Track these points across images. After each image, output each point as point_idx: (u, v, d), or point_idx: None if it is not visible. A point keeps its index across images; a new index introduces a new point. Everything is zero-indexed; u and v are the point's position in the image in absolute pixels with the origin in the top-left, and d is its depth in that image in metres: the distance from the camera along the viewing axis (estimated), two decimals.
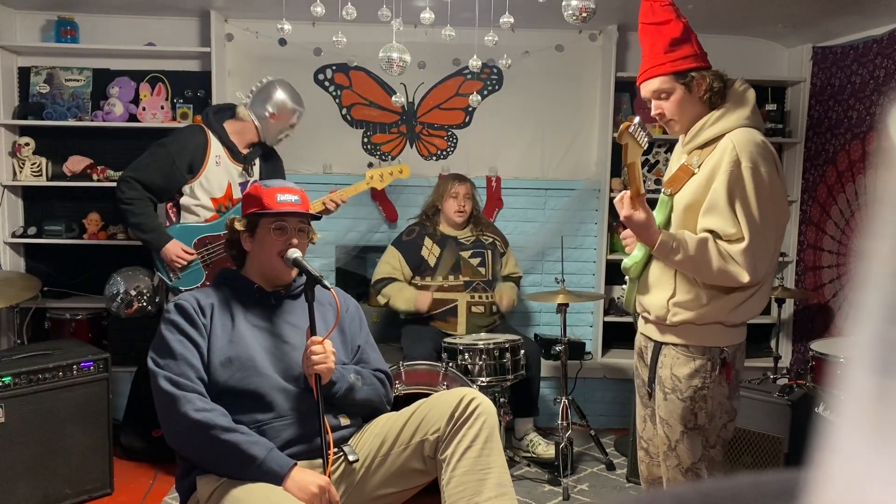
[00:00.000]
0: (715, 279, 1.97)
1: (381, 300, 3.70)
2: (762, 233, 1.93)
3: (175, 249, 3.11)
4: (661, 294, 2.07)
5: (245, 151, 3.26)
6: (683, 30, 2.01)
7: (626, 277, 2.30)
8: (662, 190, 2.11)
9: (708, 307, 2.01)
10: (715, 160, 1.96)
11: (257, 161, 3.33)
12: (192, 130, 3.26)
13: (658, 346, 2.13)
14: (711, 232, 1.96)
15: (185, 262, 3.13)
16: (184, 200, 3.21)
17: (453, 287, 3.65)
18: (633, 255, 2.14)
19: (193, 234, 3.18)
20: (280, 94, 3.23)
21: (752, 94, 2.07)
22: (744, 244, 1.92)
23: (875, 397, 0.28)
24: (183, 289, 3.10)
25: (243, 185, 3.24)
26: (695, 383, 2.04)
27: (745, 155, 1.93)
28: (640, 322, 2.24)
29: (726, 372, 2.06)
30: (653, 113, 2.09)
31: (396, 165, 3.55)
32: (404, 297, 3.63)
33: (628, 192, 1.95)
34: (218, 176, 3.20)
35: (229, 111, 3.32)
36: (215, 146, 3.20)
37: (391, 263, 3.69)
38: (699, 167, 2.01)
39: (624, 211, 1.96)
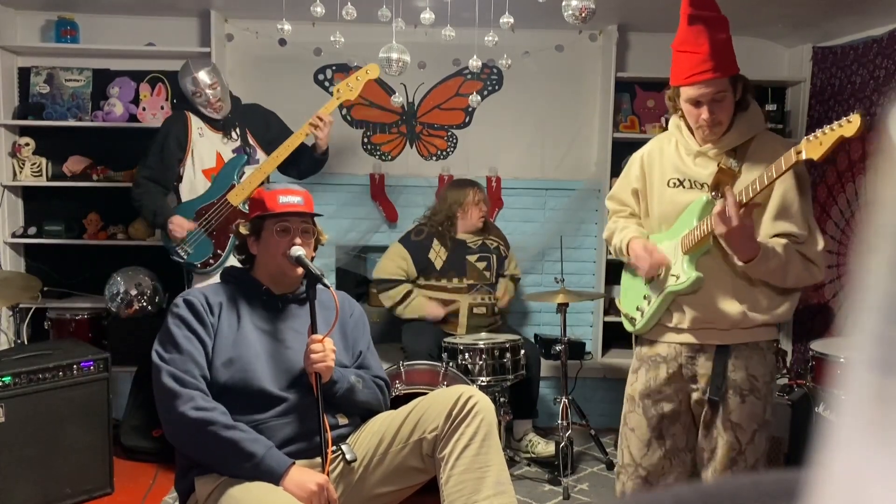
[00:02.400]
0: (795, 282, 1.95)
1: (386, 302, 3.66)
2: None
3: (173, 221, 3.27)
4: (729, 302, 2.00)
5: (220, 118, 3.42)
6: (728, 31, 1.95)
7: (636, 300, 2.17)
8: (709, 195, 2.00)
9: (782, 308, 2.00)
10: (766, 160, 1.89)
11: (237, 127, 3.44)
12: (172, 116, 3.51)
13: (724, 350, 2.02)
14: (786, 234, 1.93)
15: (184, 233, 3.27)
16: (182, 185, 3.38)
17: (457, 289, 3.66)
18: (693, 273, 1.99)
19: (191, 210, 3.33)
20: (182, 85, 3.38)
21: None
22: (820, 245, 1.93)
23: (875, 397, 0.28)
24: (197, 263, 3.31)
25: (237, 150, 3.41)
26: (767, 378, 2.04)
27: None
28: (686, 335, 2.07)
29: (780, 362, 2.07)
30: (703, 116, 1.95)
31: (360, 69, 3.33)
32: (412, 308, 3.63)
33: (731, 200, 1.80)
34: (205, 146, 3.37)
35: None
36: (195, 121, 3.39)
37: (397, 263, 3.66)
38: (740, 169, 1.97)
39: (734, 220, 1.79)
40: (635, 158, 2.22)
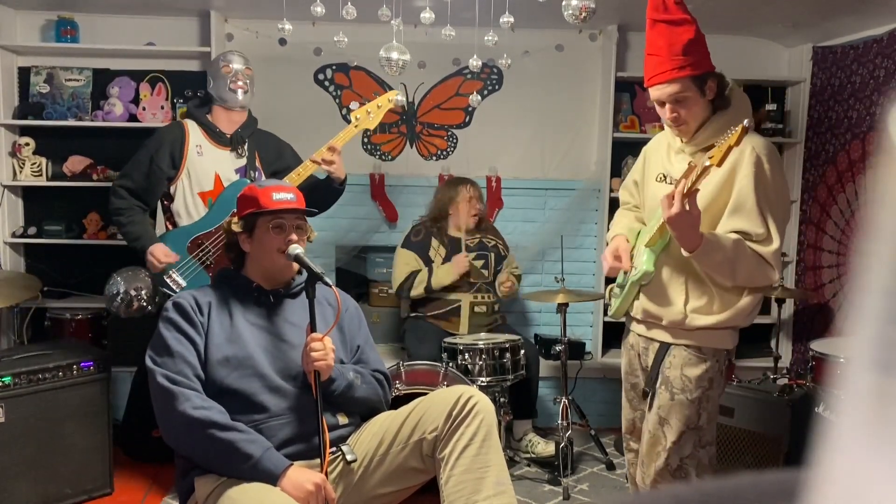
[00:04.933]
0: (747, 280, 1.96)
1: (416, 293, 3.63)
2: (784, 234, 1.97)
3: (153, 251, 2.92)
4: (674, 300, 2.07)
5: (230, 133, 3.15)
6: (697, 31, 1.99)
7: (615, 286, 2.29)
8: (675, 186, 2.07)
9: (725, 313, 2.02)
10: (732, 160, 1.93)
11: (245, 144, 3.16)
12: (168, 126, 3.25)
13: (665, 346, 2.12)
14: (739, 232, 1.95)
15: (163, 265, 2.93)
16: (175, 205, 3.09)
17: (457, 287, 3.66)
18: (645, 266, 2.10)
19: (185, 237, 3.01)
20: (212, 68, 3.21)
21: (747, 98, 2.12)
22: (774, 245, 1.94)
23: (875, 397, 0.28)
24: None
25: (240, 170, 3.12)
26: (704, 384, 2.06)
27: (765, 156, 1.95)
28: (641, 327, 2.21)
29: (729, 373, 2.08)
30: (668, 116, 2.03)
31: (382, 96, 3.07)
32: (442, 273, 3.60)
33: (679, 188, 1.86)
34: (202, 166, 3.08)
35: (209, 103, 3.26)
36: (194, 136, 3.11)
37: (410, 264, 3.67)
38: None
39: (675, 208, 1.84)
40: (643, 150, 2.33)
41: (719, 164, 1.81)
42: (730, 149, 1.79)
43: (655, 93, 2.03)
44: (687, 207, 1.84)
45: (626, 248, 2.19)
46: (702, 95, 2.00)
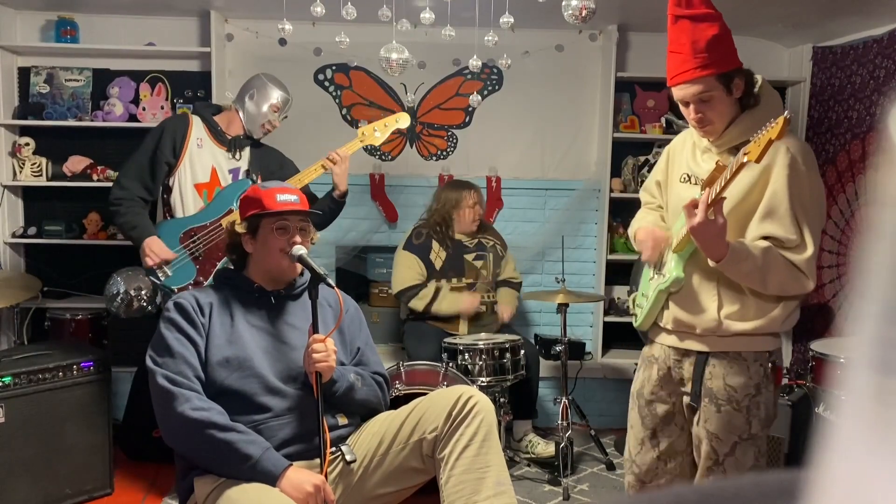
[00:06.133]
0: (778, 289, 1.86)
1: (418, 305, 3.61)
2: (819, 239, 1.86)
3: (151, 245, 2.97)
4: (707, 307, 1.95)
5: (232, 136, 3.19)
6: (721, 26, 1.88)
7: (638, 295, 2.16)
8: (701, 192, 1.94)
9: (761, 320, 1.91)
10: (765, 160, 1.81)
11: (247, 150, 3.21)
12: (174, 116, 3.28)
13: (704, 357, 1.98)
14: (771, 237, 1.85)
15: (158, 260, 2.97)
16: (172, 196, 3.12)
17: (457, 289, 3.66)
18: (675, 272, 1.97)
19: (179, 229, 3.06)
20: (261, 82, 3.22)
21: (778, 95, 2.02)
22: (809, 253, 1.83)
23: (875, 397, 0.28)
24: (175, 288, 3.00)
25: (234, 171, 3.17)
26: (750, 391, 1.94)
27: (800, 157, 1.84)
28: (672, 338, 2.06)
29: (776, 376, 1.96)
30: (693, 117, 1.92)
31: (391, 117, 3.24)
32: (447, 303, 3.60)
33: (703, 197, 1.77)
34: (200, 158, 3.11)
35: (216, 107, 3.32)
36: (196, 129, 3.15)
37: (414, 269, 3.65)
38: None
39: (698, 217, 1.75)
40: (665, 149, 2.21)
41: (758, 160, 1.69)
42: (770, 143, 1.66)
43: (679, 93, 1.92)
44: (712, 217, 1.75)
45: (660, 231, 2.06)
46: (728, 94, 1.89)
